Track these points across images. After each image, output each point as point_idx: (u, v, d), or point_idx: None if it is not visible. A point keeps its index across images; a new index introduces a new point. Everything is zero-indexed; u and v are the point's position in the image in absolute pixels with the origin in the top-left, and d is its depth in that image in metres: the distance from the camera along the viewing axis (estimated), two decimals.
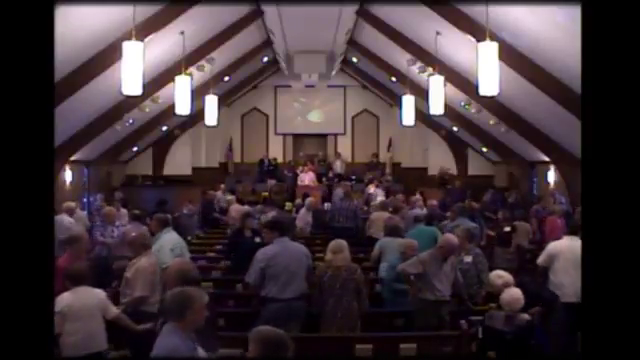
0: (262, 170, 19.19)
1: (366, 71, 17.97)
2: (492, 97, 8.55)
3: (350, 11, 12.16)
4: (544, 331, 5.24)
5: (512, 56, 9.15)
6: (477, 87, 7.64)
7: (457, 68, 11.80)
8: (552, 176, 14.65)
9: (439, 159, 19.48)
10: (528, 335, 4.93)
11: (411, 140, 19.59)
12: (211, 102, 13.31)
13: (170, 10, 9.41)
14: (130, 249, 6.07)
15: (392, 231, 7.67)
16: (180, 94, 10.89)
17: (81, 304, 4.82)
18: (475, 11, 8.70)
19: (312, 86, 18.89)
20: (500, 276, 5.40)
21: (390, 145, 20.09)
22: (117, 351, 5.47)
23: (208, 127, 15.24)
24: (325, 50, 15.67)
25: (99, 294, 5.03)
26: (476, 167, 19.48)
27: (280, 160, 19.98)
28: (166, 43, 10.56)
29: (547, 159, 13.84)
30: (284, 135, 20.96)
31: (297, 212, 12.20)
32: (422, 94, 12.78)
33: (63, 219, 9.36)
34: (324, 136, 21.17)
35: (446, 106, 11.52)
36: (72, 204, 10.46)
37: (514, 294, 5.02)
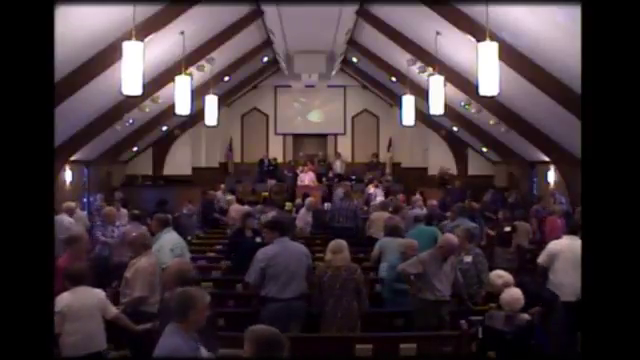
0: (262, 170, 19.19)
1: (366, 71, 17.97)
2: (492, 97, 8.55)
3: (350, 11, 12.16)
4: (544, 331, 5.24)
5: (512, 56, 9.15)
6: (477, 87, 7.64)
7: (457, 68, 11.80)
8: (552, 176, 14.66)
9: (439, 159, 19.47)
10: (528, 335, 4.92)
11: (411, 140, 19.58)
12: (211, 102, 13.31)
13: (170, 10, 9.41)
14: (130, 249, 6.07)
15: (392, 231, 7.67)
16: (180, 94, 10.89)
17: (80, 304, 4.82)
18: (475, 11, 8.70)
19: (312, 86, 18.89)
20: (500, 276, 5.40)
21: (390, 145, 20.09)
22: (117, 351, 5.47)
23: (208, 127, 15.24)
24: (325, 50, 15.67)
25: (98, 294, 5.03)
26: (476, 167, 19.49)
27: (280, 160, 19.98)
28: (166, 43, 10.56)
29: (547, 159, 13.84)
30: (284, 135, 20.96)
31: (297, 212, 12.20)
32: (422, 94, 12.78)
33: (63, 219, 9.36)
34: (324, 136, 21.16)
35: (446, 106, 11.53)
36: (72, 204, 10.46)
37: (514, 294, 5.02)
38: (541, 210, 12.32)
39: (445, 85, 11.14)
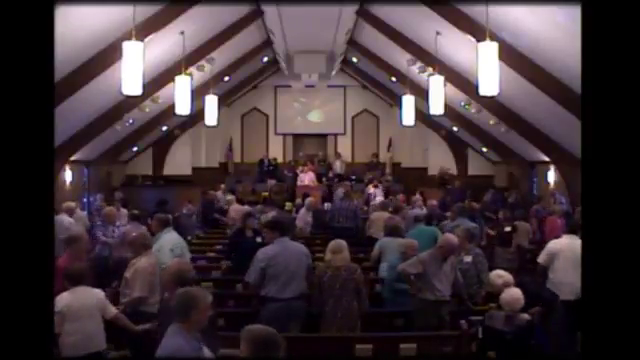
0: (262, 170, 19.18)
1: (366, 71, 17.97)
2: (492, 97, 8.55)
3: (350, 11, 12.16)
4: (544, 331, 5.24)
5: (512, 56, 9.15)
6: (477, 87, 7.64)
7: (457, 68, 11.80)
8: (552, 176, 14.66)
9: (439, 159, 19.47)
10: (528, 335, 4.92)
11: (411, 140, 19.58)
12: (211, 102, 13.31)
13: (170, 10, 9.41)
14: (130, 249, 6.07)
15: (392, 231, 7.68)
16: (180, 94, 10.89)
17: (80, 304, 4.82)
18: (475, 11, 8.70)
19: (312, 86, 18.88)
20: (500, 276, 5.40)
21: (390, 145, 20.09)
22: (117, 351, 5.47)
23: (208, 127, 15.24)
24: (325, 50, 15.67)
25: (98, 294, 5.03)
26: (476, 167, 19.49)
27: (280, 160, 19.97)
28: (166, 43, 10.56)
29: (547, 159, 13.84)
30: (284, 135, 20.96)
31: (297, 212, 12.20)
32: (422, 94, 12.78)
33: (63, 219, 9.36)
34: (324, 136, 21.16)
35: (446, 106, 11.52)
36: (72, 204, 10.47)
37: (514, 294, 5.02)
38: (541, 210, 12.32)
39: (445, 85, 11.14)
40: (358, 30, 14.08)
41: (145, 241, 5.97)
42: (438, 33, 10.45)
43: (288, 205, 13.74)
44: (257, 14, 12.38)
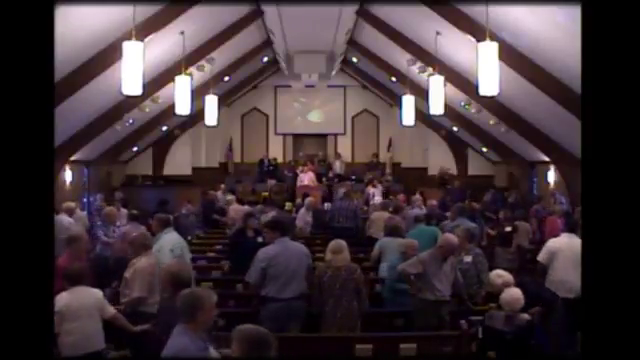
0: (262, 170, 19.18)
1: (366, 71, 17.97)
2: (492, 97, 8.55)
3: (350, 11, 12.16)
4: (544, 331, 5.24)
5: (512, 56, 9.15)
6: (477, 87, 7.63)
7: (457, 68, 11.80)
8: (552, 176, 14.66)
9: (439, 159, 19.47)
10: (528, 335, 4.93)
11: (411, 140, 19.58)
12: (211, 102, 13.30)
13: (170, 10, 9.41)
14: (130, 249, 6.07)
15: (392, 231, 7.68)
16: (180, 94, 10.89)
17: (79, 304, 4.83)
18: (475, 11, 8.70)
19: (312, 86, 18.89)
20: (500, 276, 5.40)
21: (390, 145, 20.09)
22: (117, 351, 5.47)
23: (208, 127, 15.24)
24: (325, 50, 15.67)
25: (96, 294, 5.04)
26: (476, 167, 19.49)
27: (280, 160, 19.98)
28: (166, 43, 10.56)
29: (547, 159, 13.84)
30: (284, 135, 20.96)
31: (297, 212, 12.20)
32: (422, 94, 12.78)
33: (63, 219, 9.37)
34: (324, 136, 21.16)
35: (446, 106, 11.52)
36: (72, 204, 10.47)
37: (514, 294, 5.03)
38: (541, 210, 12.32)
39: (445, 85, 11.13)
40: (358, 30, 14.08)
41: (145, 241, 5.96)
42: (438, 33, 10.45)
43: (288, 205, 13.74)
44: (257, 14, 12.38)
